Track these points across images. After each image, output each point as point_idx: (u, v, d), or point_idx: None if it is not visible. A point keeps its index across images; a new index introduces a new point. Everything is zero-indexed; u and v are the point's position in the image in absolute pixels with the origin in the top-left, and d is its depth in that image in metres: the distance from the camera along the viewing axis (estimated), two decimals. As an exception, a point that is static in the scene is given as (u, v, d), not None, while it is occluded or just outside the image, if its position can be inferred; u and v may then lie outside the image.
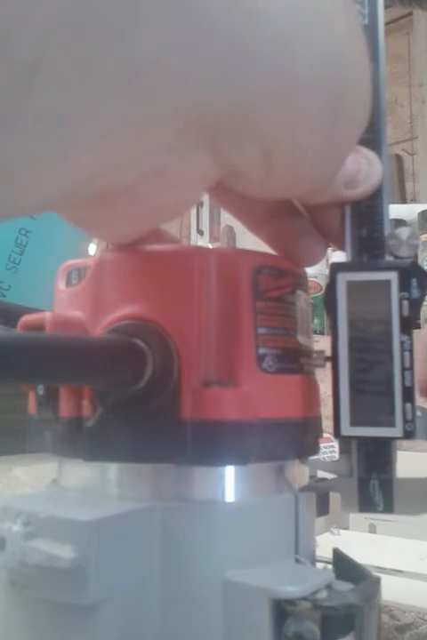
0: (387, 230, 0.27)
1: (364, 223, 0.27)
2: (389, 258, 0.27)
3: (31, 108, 0.16)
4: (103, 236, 0.26)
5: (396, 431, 0.26)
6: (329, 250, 0.30)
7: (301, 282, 0.29)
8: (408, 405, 0.26)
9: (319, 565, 0.29)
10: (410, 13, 2.84)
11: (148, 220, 0.24)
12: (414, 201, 2.85)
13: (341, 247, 0.28)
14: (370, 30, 0.27)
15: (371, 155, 0.26)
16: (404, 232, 0.27)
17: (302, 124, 0.20)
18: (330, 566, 0.28)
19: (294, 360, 0.27)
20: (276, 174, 0.22)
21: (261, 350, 0.26)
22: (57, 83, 0.15)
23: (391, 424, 0.26)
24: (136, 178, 0.20)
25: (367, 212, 0.27)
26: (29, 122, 0.16)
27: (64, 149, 0.17)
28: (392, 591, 0.49)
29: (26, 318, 0.26)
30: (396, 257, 0.27)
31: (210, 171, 0.21)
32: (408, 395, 0.26)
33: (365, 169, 0.26)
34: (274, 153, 0.21)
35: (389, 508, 0.27)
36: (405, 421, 0.26)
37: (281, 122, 0.20)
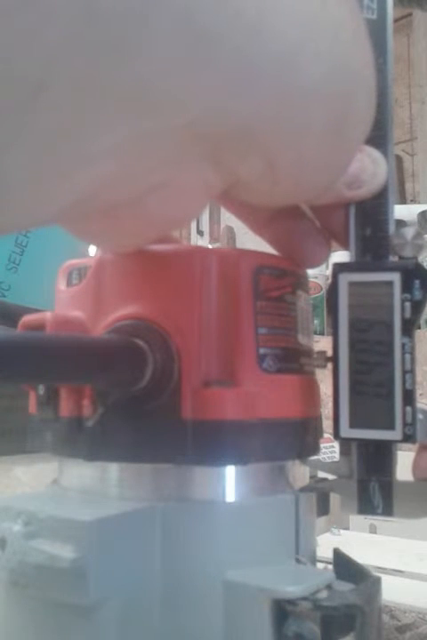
0: (391, 230, 0.27)
1: (368, 222, 0.27)
2: (393, 258, 0.27)
3: (34, 126, 0.15)
4: (106, 246, 0.26)
5: (395, 434, 0.26)
6: (330, 251, 0.30)
7: (301, 282, 0.29)
8: (408, 408, 0.26)
9: (320, 565, 0.29)
10: (410, 14, 2.84)
11: (151, 231, 0.24)
12: (414, 201, 2.85)
13: (345, 246, 0.28)
14: (378, 25, 0.27)
15: (376, 154, 0.26)
16: (409, 232, 0.26)
17: (307, 136, 0.20)
18: (330, 566, 0.28)
19: (295, 360, 0.27)
20: (280, 184, 0.22)
21: (262, 350, 0.26)
22: (62, 101, 0.15)
23: (391, 427, 0.26)
24: (139, 191, 0.20)
25: (372, 211, 0.27)
26: (32, 140, 0.16)
27: (66, 166, 0.17)
28: (393, 591, 0.49)
29: (26, 318, 0.26)
30: (400, 257, 0.27)
31: (214, 182, 0.21)
32: (409, 397, 0.26)
33: (369, 169, 0.26)
34: (279, 164, 0.21)
35: (388, 511, 0.27)
36: (404, 424, 0.26)
37: (286, 135, 0.20)
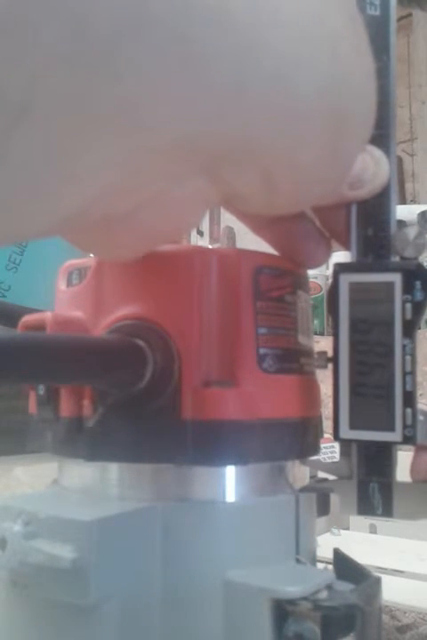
0: (393, 230, 0.27)
1: (370, 222, 0.27)
2: (395, 258, 0.27)
3: (19, 147, 0.15)
4: (102, 256, 0.26)
5: (395, 436, 0.26)
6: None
7: (301, 282, 0.29)
8: (409, 410, 0.26)
9: (320, 565, 0.29)
10: (409, 14, 2.83)
11: (147, 243, 0.23)
12: (414, 201, 2.85)
13: (346, 246, 0.28)
14: (381, 22, 0.26)
15: (378, 153, 0.26)
16: (411, 232, 0.26)
17: (304, 151, 0.20)
18: (331, 566, 0.28)
19: (295, 360, 0.27)
20: (277, 196, 0.22)
21: (262, 350, 0.26)
22: (47, 122, 0.15)
23: (391, 428, 0.26)
24: (131, 205, 0.20)
25: (374, 211, 0.27)
26: (16, 160, 0.15)
27: (53, 185, 0.17)
28: (393, 591, 0.49)
29: (26, 318, 0.26)
30: (402, 257, 0.26)
31: (210, 195, 0.21)
32: (409, 399, 0.26)
33: (371, 169, 0.26)
34: (275, 177, 0.20)
35: (388, 512, 0.27)
36: (404, 426, 0.26)
37: (282, 149, 0.19)
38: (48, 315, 0.25)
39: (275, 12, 0.17)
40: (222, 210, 0.28)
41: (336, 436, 0.27)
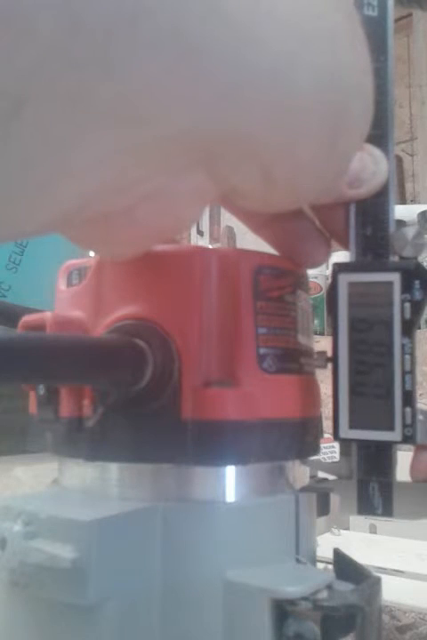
0: (392, 229, 0.27)
1: (369, 222, 0.27)
2: (393, 258, 0.27)
3: (15, 140, 0.15)
4: (103, 253, 0.26)
5: (395, 435, 0.26)
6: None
7: (301, 282, 0.29)
8: (408, 409, 0.26)
9: (320, 565, 0.29)
10: (410, 14, 2.83)
11: (146, 239, 0.23)
12: (413, 201, 2.85)
13: (345, 246, 0.28)
14: (379, 22, 0.26)
15: (377, 152, 0.26)
16: (409, 231, 0.26)
17: (302, 144, 0.20)
18: (331, 566, 0.28)
19: (295, 360, 0.27)
20: (276, 191, 0.22)
21: (262, 350, 0.26)
22: (44, 115, 0.15)
23: (390, 428, 0.26)
24: (129, 200, 0.20)
25: (372, 210, 0.27)
26: (13, 154, 0.15)
27: (49, 180, 0.17)
28: (393, 591, 0.49)
29: (26, 318, 0.26)
30: (401, 257, 0.27)
31: (208, 190, 0.21)
32: (408, 398, 0.26)
33: (370, 168, 0.26)
34: (274, 172, 0.20)
35: (388, 512, 0.27)
36: (404, 425, 0.26)
37: (281, 143, 0.19)
38: (48, 315, 0.25)
39: (272, 8, 0.17)
40: (223, 210, 0.28)
41: (336, 436, 0.27)
